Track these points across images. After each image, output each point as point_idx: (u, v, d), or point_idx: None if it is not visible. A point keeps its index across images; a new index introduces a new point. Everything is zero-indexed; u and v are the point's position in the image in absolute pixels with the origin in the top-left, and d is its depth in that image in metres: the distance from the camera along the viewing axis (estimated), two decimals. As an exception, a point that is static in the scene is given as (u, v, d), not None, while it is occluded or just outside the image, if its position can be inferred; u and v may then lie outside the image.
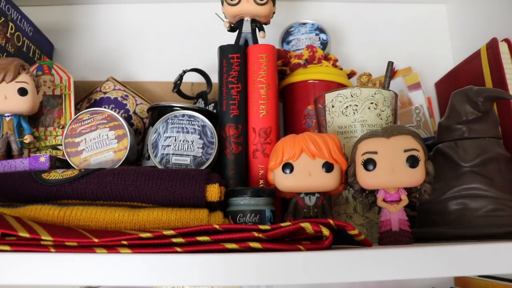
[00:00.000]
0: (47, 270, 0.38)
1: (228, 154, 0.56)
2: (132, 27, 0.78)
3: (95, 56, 0.77)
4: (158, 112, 0.61)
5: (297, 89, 0.64)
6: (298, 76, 0.64)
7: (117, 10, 0.79)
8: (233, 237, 0.40)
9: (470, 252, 0.40)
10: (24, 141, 0.56)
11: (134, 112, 0.67)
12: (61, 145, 0.60)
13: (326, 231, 0.41)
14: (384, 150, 0.46)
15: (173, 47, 0.77)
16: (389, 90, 0.56)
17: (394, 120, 0.56)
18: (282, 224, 0.41)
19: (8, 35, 0.63)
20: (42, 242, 0.40)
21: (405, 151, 0.46)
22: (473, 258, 0.40)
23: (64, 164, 0.55)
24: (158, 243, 0.40)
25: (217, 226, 0.41)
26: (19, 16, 0.65)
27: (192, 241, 0.40)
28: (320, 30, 0.71)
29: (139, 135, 0.66)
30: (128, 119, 0.66)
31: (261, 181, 0.55)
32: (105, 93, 0.67)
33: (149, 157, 0.59)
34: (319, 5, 0.79)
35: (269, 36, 0.69)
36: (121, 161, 0.54)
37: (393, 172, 0.45)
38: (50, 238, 0.40)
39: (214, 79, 0.69)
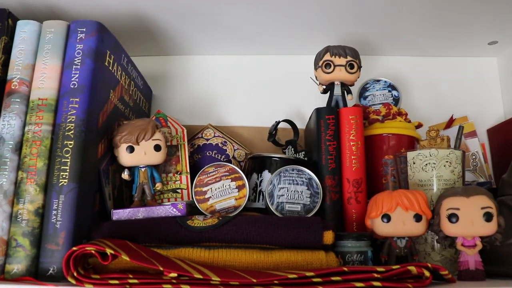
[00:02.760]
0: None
1: (327, 201, 0.74)
2: (222, 76, 0.96)
3: (190, 102, 0.95)
4: (259, 161, 0.79)
5: (375, 141, 0.82)
6: (376, 129, 0.82)
7: (209, 61, 0.97)
8: (358, 277, 0.58)
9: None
10: (156, 188, 0.74)
11: (233, 157, 0.84)
12: (180, 188, 0.77)
13: (427, 273, 0.59)
14: (465, 207, 0.64)
15: (259, 95, 0.96)
16: (460, 150, 0.74)
17: (463, 174, 0.74)
18: (393, 267, 0.59)
19: (130, 92, 0.80)
20: (212, 282, 0.57)
21: (482, 208, 0.64)
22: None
23: (191, 208, 0.72)
24: (302, 282, 0.58)
25: (345, 269, 0.58)
26: (137, 74, 0.82)
27: (327, 281, 0.58)
28: (392, 87, 0.89)
29: (237, 177, 0.84)
30: (228, 163, 0.83)
31: (355, 224, 0.73)
32: (207, 139, 0.84)
33: (255, 199, 0.77)
34: (387, 59, 0.98)
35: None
36: (242, 207, 0.72)
37: (472, 225, 0.64)
38: (218, 279, 0.57)
39: (299, 125, 0.88)
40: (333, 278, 0.58)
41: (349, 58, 0.78)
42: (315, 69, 0.80)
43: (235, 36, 0.92)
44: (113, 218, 0.69)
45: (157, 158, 0.73)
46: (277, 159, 0.78)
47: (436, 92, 0.98)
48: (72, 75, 0.66)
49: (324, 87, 0.81)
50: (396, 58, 0.99)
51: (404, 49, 0.97)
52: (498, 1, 0.80)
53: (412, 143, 0.83)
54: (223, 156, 0.83)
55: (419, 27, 0.89)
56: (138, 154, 0.72)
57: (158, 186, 0.74)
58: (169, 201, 0.77)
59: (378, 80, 0.90)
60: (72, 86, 0.65)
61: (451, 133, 0.91)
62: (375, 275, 0.58)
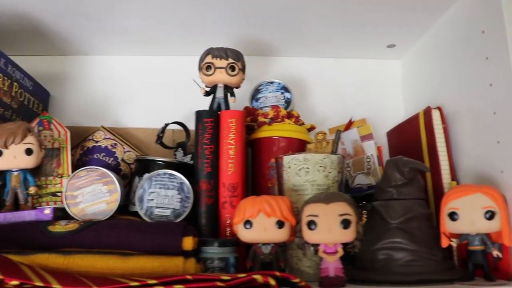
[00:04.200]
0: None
1: (201, 205, 0.72)
2: (120, 77, 0.95)
3: (87, 103, 0.93)
4: (144, 164, 0.77)
5: (263, 144, 0.81)
6: (264, 132, 0.81)
7: (107, 61, 0.95)
8: (201, 285, 0.57)
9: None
10: (29, 192, 0.72)
11: (122, 159, 0.83)
12: (60, 192, 0.76)
13: (272, 281, 0.58)
14: (323, 214, 0.63)
15: (157, 96, 0.94)
16: (337, 155, 0.72)
17: (341, 178, 0.73)
18: (239, 275, 0.58)
19: (12, 93, 0.78)
20: (53, 290, 0.56)
21: (340, 215, 0.63)
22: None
23: (64, 212, 0.71)
24: (144, 291, 0.57)
25: (189, 277, 0.57)
26: (22, 75, 0.80)
27: (169, 289, 0.57)
28: (285, 89, 0.87)
29: (126, 179, 0.83)
30: (116, 165, 0.82)
31: (228, 229, 0.72)
32: (96, 141, 0.83)
33: (135, 203, 0.75)
34: (287, 60, 0.96)
35: (241, 90, 0.86)
36: (113, 211, 0.70)
37: (330, 231, 0.62)
38: (59, 286, 0.55)
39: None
40: (176, 286, 0.57)
41: (230, 60, 0.77)
42: (199, 71, 0.79)
43: (131, 37, 0.90)
44: (-22, 223, 0.68)
45: (28, 162, 0.71)
46: (160, 162, 0.77)
47: (338, 94, 0.96)
48: None
49: (208, 89, 0.79)
50: (298, 60, 0.97)
51: (306, 51, 0.96)
52: (395, 6, 0.79)
53: (302, 146, 0.82)
54: (111, 159, 0.82)
55: (321, 28, 0.87)
56: (7, 158, 0.70)
57: (32, 190, 0.72)
58: (48, 204, 0.75)
59: (272, 82, 0.88)
60: None
61: (350, 135, 0.89)
62: (218, 283, 0.57)
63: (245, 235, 0.66)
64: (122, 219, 0.69)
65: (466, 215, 0.63)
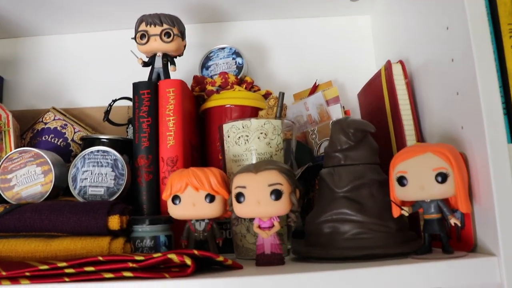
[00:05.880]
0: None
1: (140, 182, 0.67)
2: (73, 55, 0.90)
3: (41, 85, 0.89)
4: (89, 142, 0.73)
5: (213, 113, 0.74)
6: (213, 101, 0.74)
7: (59, 40, 0.91)
8: (111, 267, 0.52)
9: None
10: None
11: (73, 140, 0.79)
12: (4, 176, 0.73)
13: (188, 261, 0.52)
14: (251, 184, 0.56)
15: (111, 73, 0.89)
16: (280, 119, 0.65)
17: (289, 146, 0.65)
18: (154, 255, 0.52)
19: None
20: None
21: (270, 185, 0.55)
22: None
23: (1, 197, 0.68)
24: (52, 274, 0.53)
25: (101, 258, 0.53)
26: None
27: (80, 272, 0.52)
28: (237, 54, 0.80)
29: (78, 159, 0.79)
30: (67, 146, 0.78)
31: (169, 205, 0.67)
32: (45, 123, 0.80)
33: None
34: (243, 24, 0.88)
35: (193, 60, 0.79)
36: (48, 193, 0.66)
37: (258, 204, 0.55)
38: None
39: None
40: (86, 269, 0.52)
41: (165, 26, 0.70)
42: (135, 41, 0.73)
43: (80, 14, 0.84)
44: None
45: (-36, 145, 0.69)
46: (104, 140, 0.73)
47: (301, 57, 0.87)
48: None
49: (147, 59, 0.73)
50: (254, 23, 0.88)
51: (263, 13, 0.87)
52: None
53: (257, 113, 0.75)
54: (60, 140, 0.78)
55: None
56: None
57: (-29, 175, 0.70)
58: (-9, 189, 0.72)
59: (223, 48, 0.81)
60: None
61: (315, 99, 0.81)
62: (131, 264, 0.52)
63: (174, 211, 0.60)
64: (49, 201, 0.65)
65: (415, 179, 0.53)
